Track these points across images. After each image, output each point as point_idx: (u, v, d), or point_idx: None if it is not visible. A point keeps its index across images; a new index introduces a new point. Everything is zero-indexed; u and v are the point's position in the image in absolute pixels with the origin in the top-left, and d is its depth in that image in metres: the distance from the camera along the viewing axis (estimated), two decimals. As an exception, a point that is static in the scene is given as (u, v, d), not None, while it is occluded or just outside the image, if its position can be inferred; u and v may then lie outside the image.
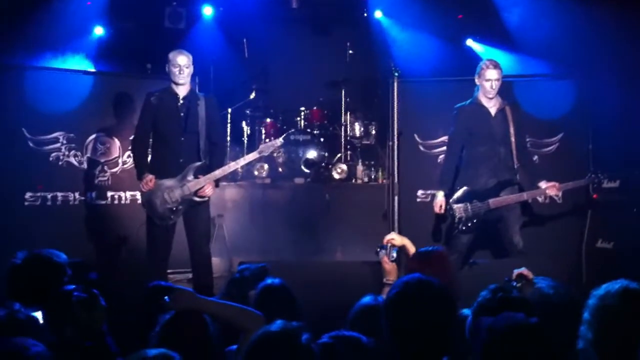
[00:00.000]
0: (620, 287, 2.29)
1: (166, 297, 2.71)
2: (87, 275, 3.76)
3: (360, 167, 8.27)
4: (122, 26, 8.34)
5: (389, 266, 3.66)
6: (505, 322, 2.32)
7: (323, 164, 8.07)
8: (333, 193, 7.61)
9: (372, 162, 8.45)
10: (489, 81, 5.46)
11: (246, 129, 8.54)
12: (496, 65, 5.49)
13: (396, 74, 5.94)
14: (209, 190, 5.34)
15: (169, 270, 5.88)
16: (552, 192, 5.50)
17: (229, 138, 8.31)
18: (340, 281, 4.82)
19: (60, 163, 6.56)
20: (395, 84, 5.92)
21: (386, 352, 2.48)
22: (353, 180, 8.17)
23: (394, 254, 3.71)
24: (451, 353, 2.55)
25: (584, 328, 2.28)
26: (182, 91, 5.40)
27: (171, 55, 5.37)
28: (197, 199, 5.31)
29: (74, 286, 2.98)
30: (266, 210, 7.53)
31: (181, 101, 5.39)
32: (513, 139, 5.47)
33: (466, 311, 2.93)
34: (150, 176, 5.27)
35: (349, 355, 2.45)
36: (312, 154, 8.09)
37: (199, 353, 2.56)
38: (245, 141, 8.46)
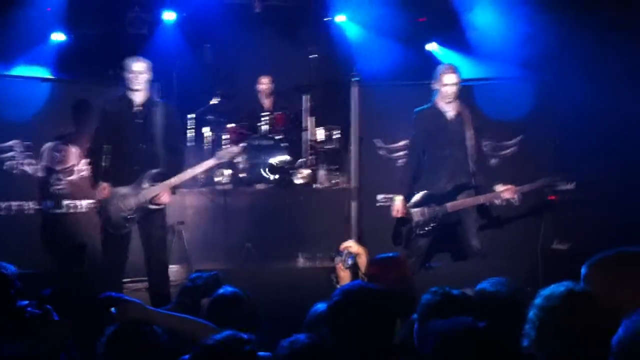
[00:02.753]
0: (565, 289, 2.29)
1: (113, 309, 2.67)
2: (40, 290, 3.68)
3: (322, 172, 8.21)
4: (84, 32, 8.23)
5: (344, 273, 3.66)
6: (454, 326, 2.34)
7: (286, 169, 8.01)
8: (295, 198, 7.55)
9: (337, 167, 8.42)
10: (446, 86, 5.50)
11: (209, 135, 8.46)
12: (454, 70, 5.53)
13: (356, 78, 5.93)
14: (164, 198, 5.29)
15: (127, 279, 5.81)
16: (507, 195, 5.55)
17: (192, 144, 8.23)
18: (299, 287, 4.82)
19: (14, 172, 6.42)
20: (355, 89, 5.91)
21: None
22: (316, 185, 8.13)
23: (350, 261, 3.69)
24: (403, 358, 2.56)
25: (528, 327, 2.29)
26: (138, 98, 5.36)
27: (127, 62, 5.35)
28: (152, 206, 5.26)
29: (27, 302, 2.92)
30: (227, 217, 7.43)
31: (137, 108, 5.34)
32: (469, 143, 5.50)
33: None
34: (105, 184, 5.22)
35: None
36: (276, 159, 8.01)
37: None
38: (209, 147, 8.36)
